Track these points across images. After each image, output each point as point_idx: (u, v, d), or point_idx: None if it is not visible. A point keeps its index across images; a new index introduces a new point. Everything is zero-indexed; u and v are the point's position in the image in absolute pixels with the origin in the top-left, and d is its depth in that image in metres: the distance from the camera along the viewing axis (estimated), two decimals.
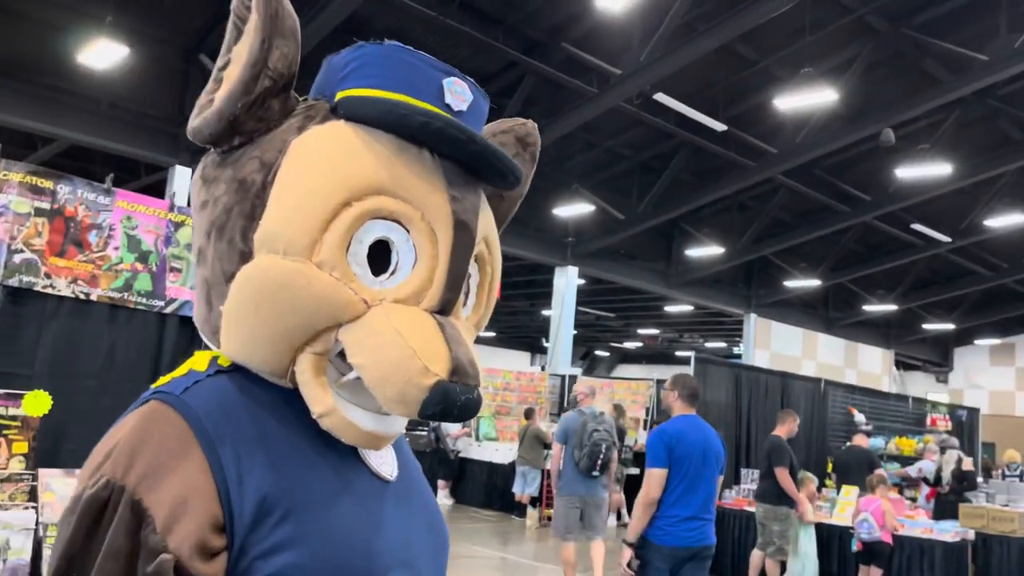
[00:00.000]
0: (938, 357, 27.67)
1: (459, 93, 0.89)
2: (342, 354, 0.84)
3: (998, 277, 20.47)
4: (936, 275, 21.83)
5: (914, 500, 9.47)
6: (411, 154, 0.85)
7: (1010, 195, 15.64)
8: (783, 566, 7.50)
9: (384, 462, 0.93)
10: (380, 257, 0.84)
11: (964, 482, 9.01)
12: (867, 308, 22.45)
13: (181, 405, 0.80)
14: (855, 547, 7.21)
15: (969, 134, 13.81)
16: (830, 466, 9.48)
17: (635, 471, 10.78)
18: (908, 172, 13.54)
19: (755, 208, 16.86)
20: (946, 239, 17.04)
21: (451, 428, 12.22)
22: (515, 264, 18.17)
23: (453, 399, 0.79)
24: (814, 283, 19.33)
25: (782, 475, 7.25)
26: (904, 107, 11.71)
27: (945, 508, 8.70)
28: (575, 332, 28.78)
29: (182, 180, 11.29)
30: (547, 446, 10.54)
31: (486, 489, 12.31)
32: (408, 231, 0.84)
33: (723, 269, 18.66)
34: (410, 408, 0.80)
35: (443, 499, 11.95)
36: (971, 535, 7.68)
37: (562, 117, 11.75)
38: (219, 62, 0.89)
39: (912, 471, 10.23)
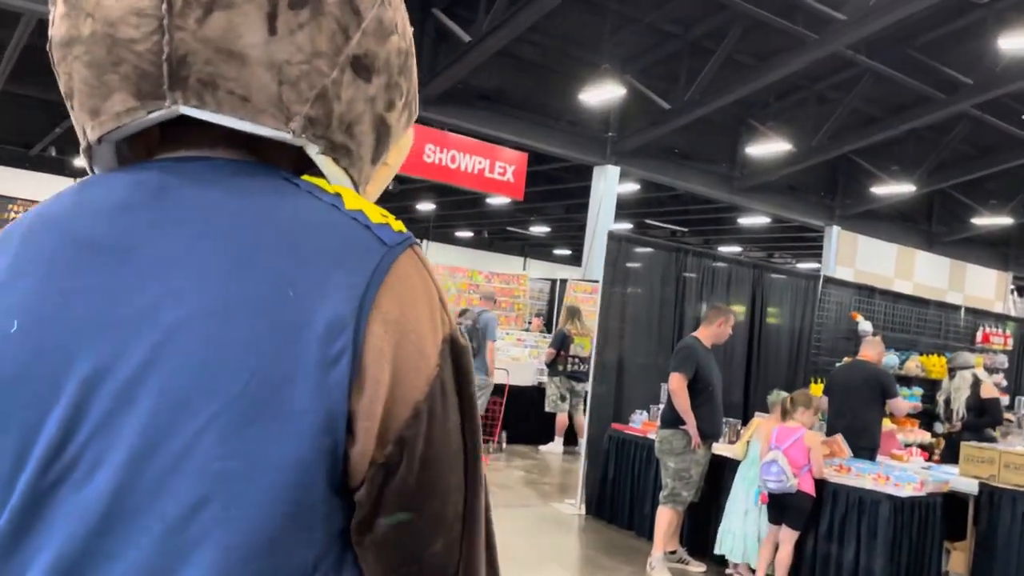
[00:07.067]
0: None
1: None
2: None
3: None
4: None
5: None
6: None
7: None
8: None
9: None
10: None
11: (984, 414, 6.67)
12: (978, 222, 19.50)
13: None
14: (758, 500, 5.21)
15: None
16: (818, 389, 6.55)
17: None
18: (1017, 44, 10.92)
19: (836, 101, 14.44)
20: None
21: None
22: (552, 166, 16.56)
23: None
24: (907, 189, 16.66)
25: (674, 382, 5.26)
26: None
27: (957, 449, 5.96)
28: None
29: None
30: None
31: None
32: None
33: (800, 174, 16.33)
34: None
35: None
36: (968, 486, 5.36)
37: None
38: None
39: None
